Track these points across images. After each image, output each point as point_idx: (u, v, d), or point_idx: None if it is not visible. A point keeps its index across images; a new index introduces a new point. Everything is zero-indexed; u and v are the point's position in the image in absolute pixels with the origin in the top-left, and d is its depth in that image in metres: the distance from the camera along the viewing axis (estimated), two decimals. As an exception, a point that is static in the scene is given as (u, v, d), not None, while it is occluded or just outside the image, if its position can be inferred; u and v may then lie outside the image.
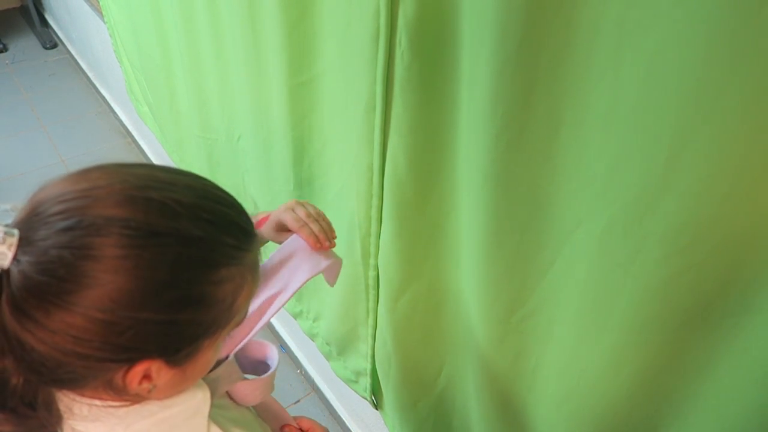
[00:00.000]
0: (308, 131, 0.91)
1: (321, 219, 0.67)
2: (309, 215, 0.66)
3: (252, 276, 0.50)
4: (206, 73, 1.20)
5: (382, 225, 0.80)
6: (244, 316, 0.53)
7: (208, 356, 0.51)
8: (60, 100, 2.87)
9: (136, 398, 0.50)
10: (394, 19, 0.62)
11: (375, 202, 0.79)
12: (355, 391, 1.18)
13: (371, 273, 0.89)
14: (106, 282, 0.41)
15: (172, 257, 0.43)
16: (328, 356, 1.23)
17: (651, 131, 0.44)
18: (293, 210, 0.66)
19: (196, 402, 0.54)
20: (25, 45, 3.34)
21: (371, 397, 1.13)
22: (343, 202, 0.88)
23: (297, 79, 0.85)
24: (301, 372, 1.70)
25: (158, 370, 0.47)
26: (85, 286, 0.41)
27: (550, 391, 0.68)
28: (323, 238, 0.65)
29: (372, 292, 0.91)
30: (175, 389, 0.52)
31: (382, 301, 0.88)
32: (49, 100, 2.86)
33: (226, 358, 0.63)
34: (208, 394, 0.55)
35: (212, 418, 0.56)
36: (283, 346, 1.76)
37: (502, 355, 0.70)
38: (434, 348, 0.86)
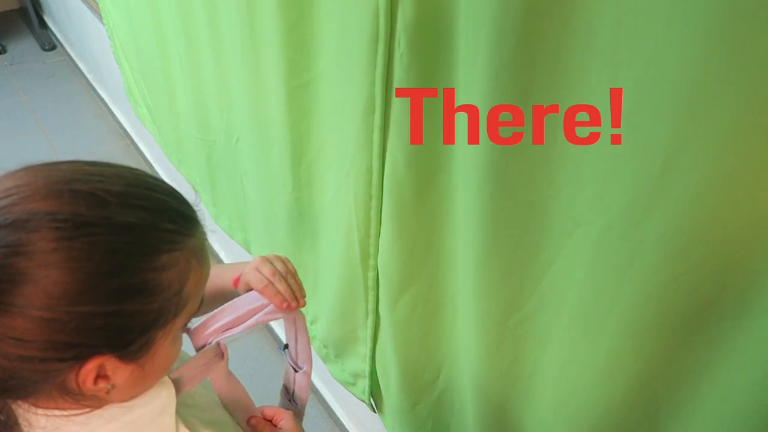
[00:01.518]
0: (306, 133, 0.91)
1: (289, 276, 0.65)
2: (275, 273, 0.63)
3: (197, 261, 0.49)
4: (205, 75, 1.20)
5: (382, 226, 0.80)
6: (199, 305, 0.52)
7: (166, 349, 0.50)
8: (59, 102, 2.87)
9: (96, 402, 0.49)
10: (394, 21, 0.62)
11: (374, 203, 0.79)
12: (353, 394, 1.18)
13: (371, 274, 0.89)
14: (40, 278, 0.40)
15: (105, 246, 0.43)
16: (325, 359, 1.23)
17: (649, 134, 0.44)
18: (257, 269, 0.64)
19: (161, 401, 0.53)
20: (23, 47, 3.34)
21: (369, 400, 1.13)
22: (341, 203, 0.88)
23: (295, 81, 0.86)
24: (299, 374, 1.69)
25: (114, 367, 0.46)
26: (19, 283, 0.40)
27: (547, 394, 0.68)
28: (290, 297, 0.63)
29: (371, 293, 0.91)
30: (136, 388, 0.51)
31: (382, 303, 0.88)
32: (47, 102, 2.86)
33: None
34: (173, 392, 0.54)
35: (183, 418, 0.55)
36: (281, 348, 1.76)
37: (499, 358, 0.70)
38: (433, 350, 0.86)
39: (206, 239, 0.52)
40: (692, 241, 0.44)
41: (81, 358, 0.44)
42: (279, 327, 1.75)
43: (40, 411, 0.47)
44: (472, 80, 0.56)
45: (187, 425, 0.55)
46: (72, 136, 2.65)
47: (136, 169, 0.50)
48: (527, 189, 0.56)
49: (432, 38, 0.60)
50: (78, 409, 0.48)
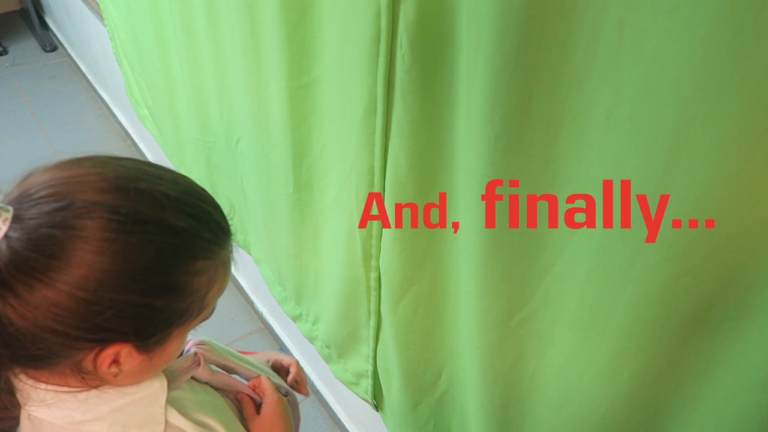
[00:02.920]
0: (307, 134, 0.91)
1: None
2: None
3: (224, 271, 0.54)
4: (205, 76, 1.20)
5: (383, 227, 0.80)
6: (211, 312, 0.56)
7: (175, 346, 0.53)
8: (60, 103, 2.87)
9: (99, 383, 0.51)
10: (395, 22, 0.62)
11: (376, 204, 0.79)
12: (356, 394, 1.18)
13: (373, 274, 0.89)
14: (91, 262, 0.43)
15: (156, 244, 0.46)
16: (327, 359, 1.23)
17: (650, 134, 0.44)
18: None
19: (153, 390, 0.56)
20: (25, 48, 3.34)
21: (372, 399, 1.13)
22: (342, 203, 0.88)
23: (296, 81, 0.85)
24: (300, 375, 1.69)
25: (128, 354, 0.49)
26: (71, 264, 0.43)
27: (549, 394, 0.68)
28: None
29: (374, 293, 0.91)
30: (138, 377, 0.54)
31: (384, 303, 0.88)
32: (49, 103, 2.86)
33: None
34: (165, 383, 0.57)
35: (176, 400, 0.58)
36: (282, 349, 1.76)
37: (501, 358, 0.70)
38: (435, 350, 0.86)
39: (232, 251, 0.56)
40: (694, 242, 0.44)
41: (106, 342, 0.47)
42: (279, 327, 1.75)
43: (41, 385, 0.50)
44: (473, 80, 0.56)
45: (179, 408, 0.58)
46: (73, 136, 2.65)
47: (187, 177, 0.54)
48: (529, 189, 0.56)
49: (434, 39, 0.60)
50: (79, 386, 0.51)
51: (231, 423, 0.64)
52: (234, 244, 0.56)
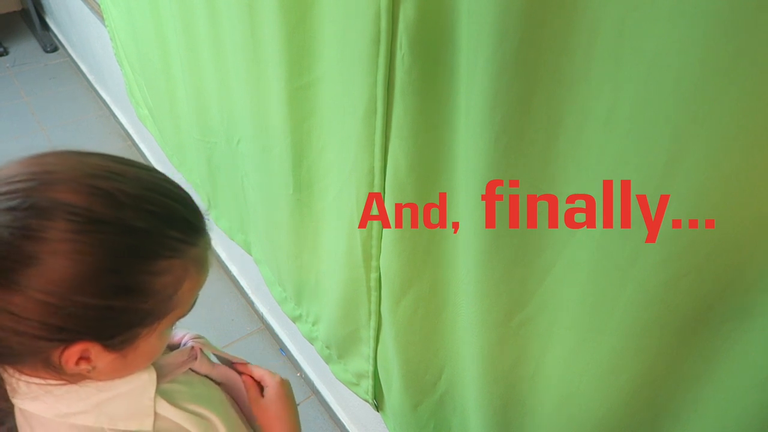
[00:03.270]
0: (307, 134, 0.91)
1: None
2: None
3: (196, 269, 0.52)
4: (206, 77, 1.20)
5: (384, 227, 0.80)
6: (190, 309, 0.55)
7: (150, 344, 0.52)
8: (60, 103, 2.88)
9: (77, 378, 0.51)
10: (395, 23, 0.62)
11: (376, 204, 0.79)
12: (356, 394, 1.18)
13: (373, 275, 0.89)
14: (47, 263, 0.43)
15: (112, 245, 0.45)
16: (327, 359, 1.23)
17: (650, 134, 0.44)
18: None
19: (141, 383, 0.55)
20: (25, 48, 3.35)
21: (373, 400, 1.13)
22: (342, 204, 0.88)
23: (296, 82, 0.86)
24: (301, 375, 1.69)
25: (97, 353, 0.48)
26: (26, 265, 0.42)
27: (549, 394, 0.68)
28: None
29: (374, 294, 0.91)
30: (117, 373, 0.53)
31: (384, 303, 0.88)
32: (49, 104, 2.87)
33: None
34: (153, 376, 0.56)
35: (168, 392, 0.57)
36: (282, 349, 1.76)
37: (501, 358, 0.70)
38: (435, 350, 0.86)
39: (210, 248, 0.55)
40: (694, 242, 0.44)
41: (68, 341, 0.46)
42: (280, 328, 1.75)
43: (23, 377, 0.50)
44: (473, 81, 0.56)
45: (172, 401, 0.57)
46: (73, 137, 2.65)
47: (158, 173, 0.52)
48: (529, 189, 0.56)
49: (434, 39, 0.60)
50: (58, 380, 0.51)
51: (227, 415, 0.64)
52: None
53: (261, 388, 0.70)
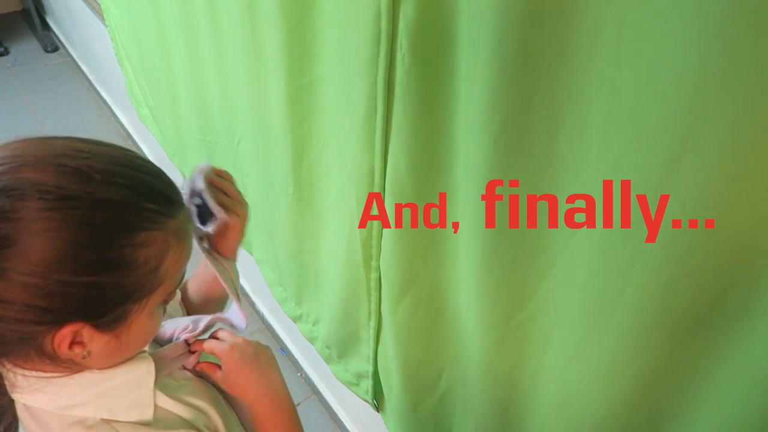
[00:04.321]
0: (308, 134, 0.91)
1: None
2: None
3: (177, 241, 0.51)
4: (206, 77, 1.20)
5: (384, 228, 0.80)
6: (178, 284, 0.54)
7: (142, 323, 0.51)
8: (61, 104, 2.88)
9: (74, 366, 0.51)
10: (395, 22, 0.62)
11: (377, 204, 0.79)
12: (356, 394, 1.18)
13: (373, 275, 0.89)
14: (22, 243, 0.42)
15: (86, 220, 0.44)
16: (328, 360, 1.23)
17: (650, 135, 0.44)
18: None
19: (140, 374, 0.55)
20: (26, 48, 3.35)
21: (373, 400, 1.13)
22: (343, 204, 0.88)
23: (297, 82, 0.86)
24: (301, 375, 1.69)
25: (90, 335, 0.48)
26: (2, 247, 0.42)
27: (549, 395, 0.68)
28: None
29: (374, 294, 0.91)
30: (113, 357, 0.53)
31: (384, 304, 0.88)
32: (50, 104, 2.87)
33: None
34: (152, 367, 0.56)
35: (165, 385, 0.57)
36: (283, 349, 1.76)
37: (501, 359, 0.70)
38: (435, 351, 0.86)
39: (189, 221, 0.54)
40: (695, 243, 0.44)
41: (57, 323, 0.46)
42: (280, 328, 1.75)
43: (18, 371, 0.50)
44: (473, 81, 0.56)
45: (168, 392, 0.57)
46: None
47: (127, 149, 0.51)
48: (529, 190, 0.56)
49: (434, 39, 0.60)
50: (57, 371, 0.50)
51: (220, 406, 0.64)
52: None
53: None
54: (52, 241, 0.43)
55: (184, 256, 0.53)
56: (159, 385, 0.57)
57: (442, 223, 0.73)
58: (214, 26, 1.05)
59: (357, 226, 0.85)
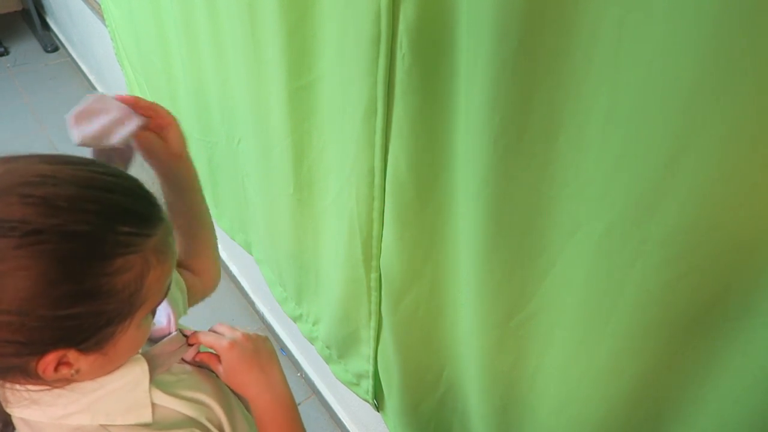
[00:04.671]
0: (308, 134, 0.91)
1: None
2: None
3: (158, 259, 0.49)
4: (206, 77, 1.20)
5: (384, 227, 0.80)
6: (163, 296, 0.52)
7: (130, 336, 0.50)
8: (61, 104, 2.87)
9: (63, 382, 0.50)
10: (395, 22, 0.62)
11: (377, 204, 0.79)
12: (357, 394, 1.18)
13: (373, 275, 0.89)
14: None
15: (56, 254, 0.42)
16: (328, 359, 1.23)
17: (650, 135, 0.44)
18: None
19: (134, 377, 0.54)
20: (26, 48, 3.35)
21: (373, 400, 1.13)
22: (343, 204, 0.88)
23: (297, 82, 0.86)
24: (301, 375, 1.69)
25: (75, 357, 0.47)
26: None
27: (549, 395, 0.68)
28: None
29: (374, 294, 0.91)
30: (104, 369, 0.52)
31: (384, 304, 0.88)
32: (50, 104, 2.87)
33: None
34: (146, 367, 0.55)
35: (163, 382, 0.56)
36: (283, 350, 1.76)
37: (501, 359, 0.70)
38: (435, 350, 0.86)
39: (170, 233, 0.52)
40: (694, 242, 0.44)
41: (38, 354, 0.45)
42: (280, 328, 1.75)
43: (17, 386, 0.49)
44: (473, 81, 0.56)
45: (168, 390, 0.56)
46: (74, 137, 2.65)
47: (97, 166, 0.49)
48: (528, 191, 0.56)
49: (434, 39, 0.60)
50: (46, 386, 0.49)
51: (226, 400, 0.63)
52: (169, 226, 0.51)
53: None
54: (23, 279, 0.41)
55: (167, 271, 0.51)
56: (156, 382, 0.56)
57: (442, 223, 0.73)
58: (214, 26, 1.05)
59: (357, 226, 0.85)
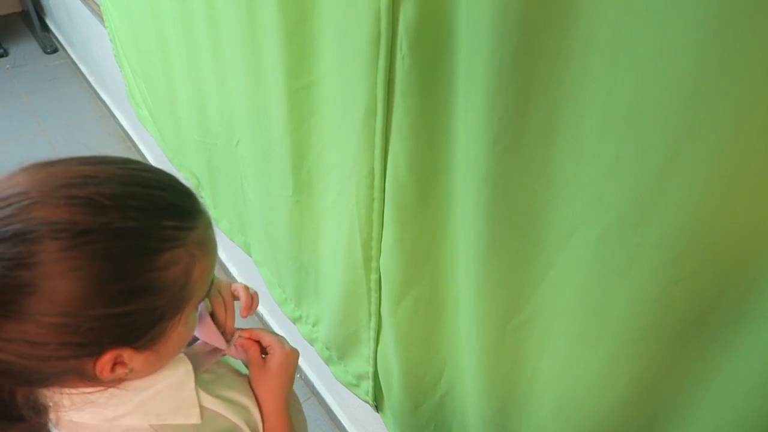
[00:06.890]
0: (307, 136, 0.91)
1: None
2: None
3: (202, 251, 0.50)
4: (205, 78, 1.20)
5: (384, 229, 0.80)
6: (208, 290, 0.53)
7: (179, 333, 0.51)
8: (60, 105, 2.88)
9: (117, 382, 0.51)
10: (395, 24, 0.62)
11: (376, 206, 0.79)
12: (357, 395, 1.18)
13: (373, 276, 0.89)
14: (45, 288, 0.41)
15: (105, 252, 0.43)
16: (327, 361, 1.23)
17: (646, 138, 0.44)
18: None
19: (179, 377, 0.55)
20: (25, 49, 3.35)
21: (373, 401, 1.13)
22: (342, 206, 0.88)
23: (296, 83, 0.86)
24: (301, 376, 1.69)
25: (130, 356, 0.48)
26: (25, 294, 0.41)
27: (546, 398, 0.68)
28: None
29: (374, 295, 0.91)
30: (154, 367, 0.53)
31: (384, 305, 0.88)
32: (49, 105, 2.87)
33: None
34: (190, 367, 0.56)
35: (203, 382, 0.57)
36: (283, 351, 1.76)
37: (499, 362, 0.70)
38: (435, 352, 0.86)
39: (210, 226, 0.52)
40: (691, 246, 0.44)
41: (95, 354, 0.46)
42: (280, 329, 1.75)
43: (65, 391, 0.49)
44: (472, 83, 0.56)
45: (209, 391, 0.57)
46: (73, 138, 2.65)
47: (132, 164, 0.49)
48: (526, 193, 0.56)
49: (433, 40, 0.60)
50: (99, 388, 0.50)
51: (256, 401, 0.64)
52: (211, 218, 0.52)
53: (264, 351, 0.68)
54: (76, 280, 0.42)
55: (211, 263, 0.52)
56: (198, 380, 0.57)
57: (442, 225, 0.73)
58: (213, 27, 1.05)
59: (357, 227, 0.85)
